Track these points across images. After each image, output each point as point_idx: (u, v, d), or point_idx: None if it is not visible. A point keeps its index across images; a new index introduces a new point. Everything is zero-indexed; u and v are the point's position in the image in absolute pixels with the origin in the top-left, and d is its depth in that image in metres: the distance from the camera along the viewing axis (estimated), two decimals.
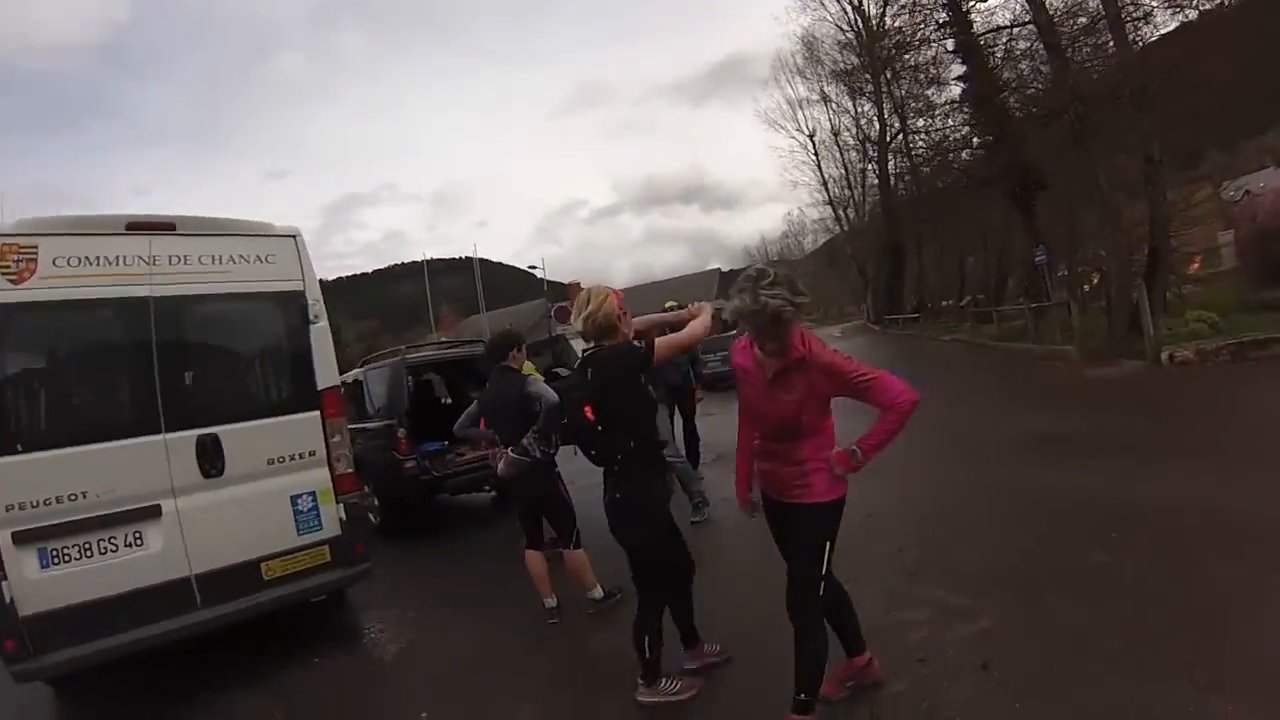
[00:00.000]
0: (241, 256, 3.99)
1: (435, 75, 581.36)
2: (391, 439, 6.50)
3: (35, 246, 3.47)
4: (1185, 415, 6.90)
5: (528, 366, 4.48)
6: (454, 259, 47.48)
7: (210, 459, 3.73)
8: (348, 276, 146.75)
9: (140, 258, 3.70)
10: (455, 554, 6.20)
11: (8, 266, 3.39)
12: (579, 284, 35.26)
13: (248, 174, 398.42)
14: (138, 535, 3.55)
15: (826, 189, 38.36)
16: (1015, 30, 13.67)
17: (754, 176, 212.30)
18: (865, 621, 2.70)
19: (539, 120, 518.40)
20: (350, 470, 4.20)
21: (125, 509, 3.52)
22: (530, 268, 36.69)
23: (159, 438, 3.62)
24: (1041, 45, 12.81)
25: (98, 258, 3.60)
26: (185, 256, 3.82)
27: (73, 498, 3.40)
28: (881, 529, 4.48)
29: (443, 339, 45.84)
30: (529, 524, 4.03)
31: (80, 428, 3.56)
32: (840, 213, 39.24)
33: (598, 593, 3.90)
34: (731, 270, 53.45)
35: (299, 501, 3.97)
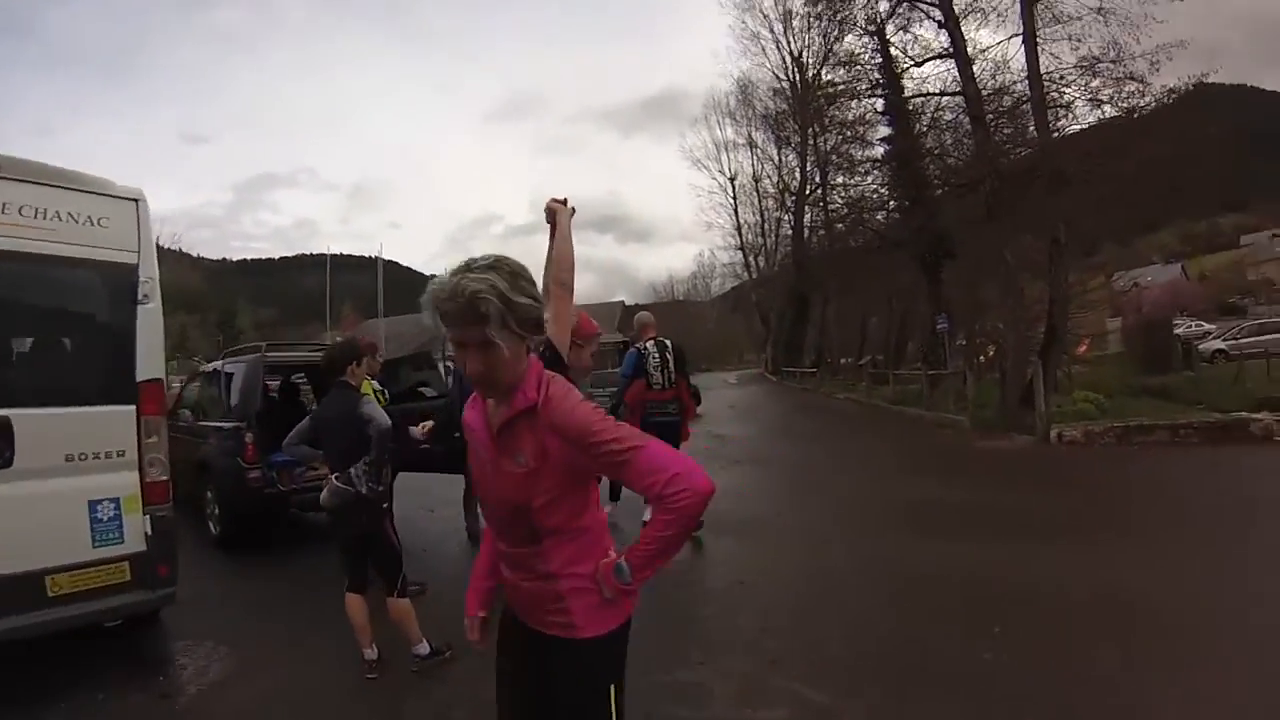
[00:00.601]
0: (70, 215, 3.45)
1: (373, 54, 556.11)
2: (239, 444, 5.86)
3: None
4: (1073, 494, 6.89)
5: (367, 385, 4.20)
6: (363, 257, 45.66)
7: None
8: (253, 260, 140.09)
9: None
10: (293, 579, 5.36)
11: None
12: None
13: (165, 132, 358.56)
14: None
15: (740, 234, 39.32)
16: (944, 99, 13.98)
17: (672, 213, 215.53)
18: (716, 716, 2.59)
19: (469, 121, 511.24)
20: (164, 478, 3.66)
21: None
22: (432, 276, 34.99)
23: None
24: (967, 118, 13.10)
25: None
26: (4, 205, 3.27)
27: None
28: (749, 600, 4.28)
29: (335, 338, 44.25)
30: (350, 562, 3.51)
31: None
32: (751, 259, 40.29)
33: (423, 648, 3.46)
34: (635, 305, 53.65)
35: (98, 508, 3.42)
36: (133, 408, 3.56)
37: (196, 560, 5.48)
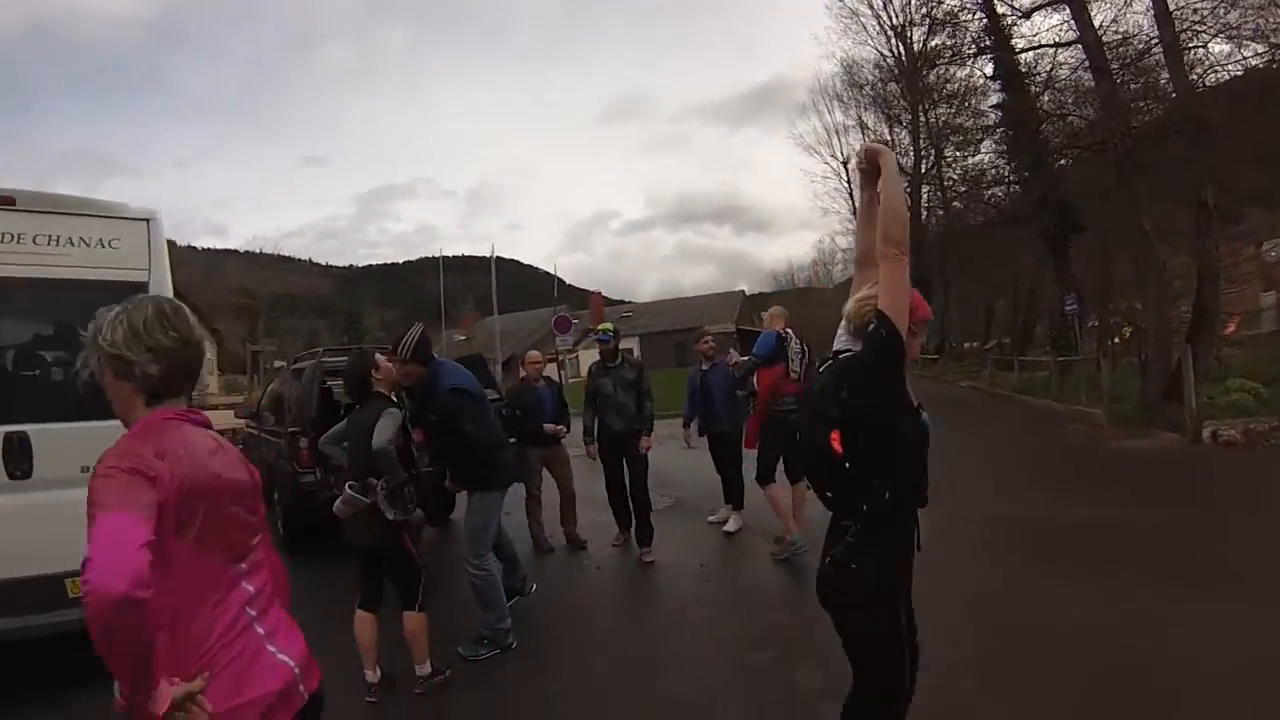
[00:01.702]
0: (82, 239, 3.64)
1: (476, 75, 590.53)
2: (294, 448, 5.93)
3: None
4: (1238, 518, 5.35)
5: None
6: (482, 257, 47.69)
7: (17, 459, 3.40)
8: (378, 265, 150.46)
9: None
10: (334, 587, 4.89)
11: None
12: (600, 293, 34.95)
13: (287, 157, 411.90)
14: None
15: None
16: (1060, 53, 12.44)
17: (787, 202, 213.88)
18: None
19: (575, 128, 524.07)
20: None
21: None
22: (549, 273, 36.01)
23: None
24: (1088, 72, 11.58)
25: None
26: (19, 235, 3.53)
27: None
28: (802, 652, 3.47)
29: (456, 338, 46.63)
30: (363, 578, 3.43)
31: None
32: None
33: (426, 668, 3.34)
34: (758, 293, 52.79)
35: None
36: None
37: None
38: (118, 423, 3.49)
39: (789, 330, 5.12)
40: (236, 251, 60.66)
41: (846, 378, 1.80)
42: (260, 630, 1.33)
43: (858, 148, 1.71)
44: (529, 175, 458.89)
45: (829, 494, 1.86)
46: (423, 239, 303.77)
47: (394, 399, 3.48)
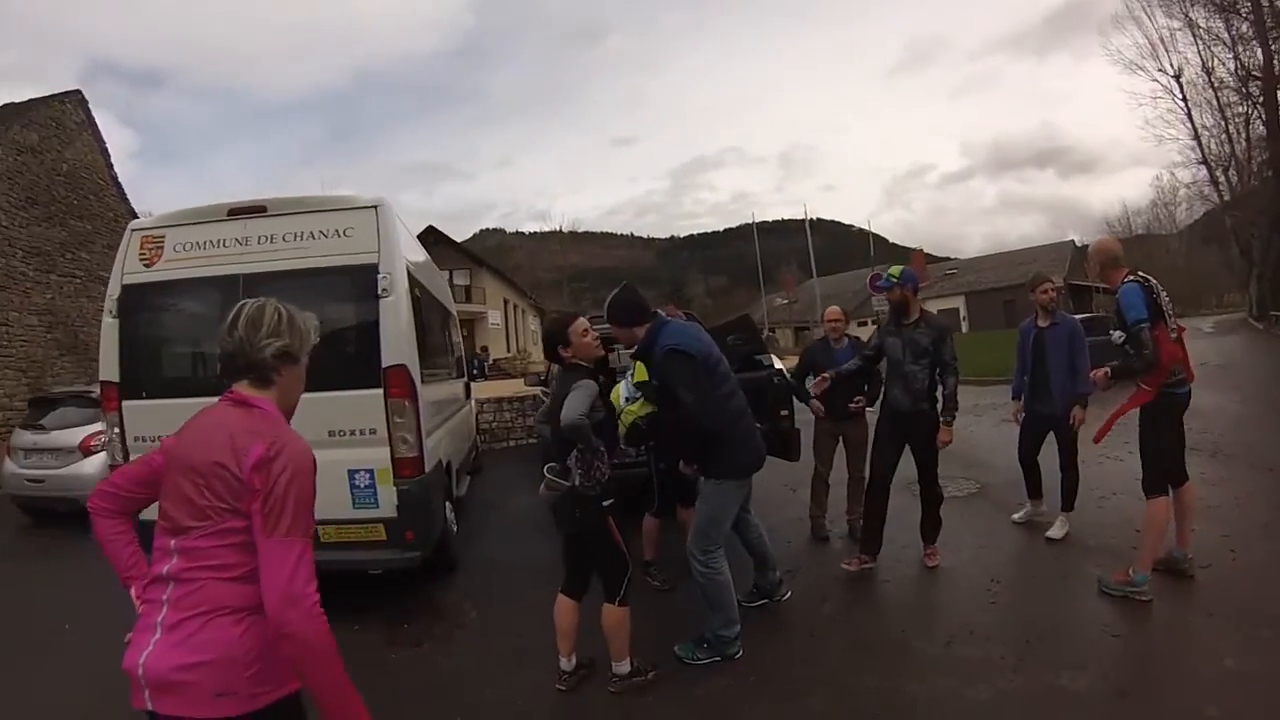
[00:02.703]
0: (321, 232, 4.09)
1: (768, 41, 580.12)
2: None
3: (163, 236, 4.21)
4: None
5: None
6: (800, 220, 48.20)
7: None
8: (698, 234, 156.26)
9: (236, 239, 4.11)
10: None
11: (143, 254, 4.19)
12: (922, 251, 33.29)
13: (598, 142, 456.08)
14: None
15: (1199, 144, 28.42)
16: None
17: (1113, 135, 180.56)
18: None
19: (876, 81, 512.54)
20: (413, 454, 4.01)
21: None
22: (863, 229, 34.97)
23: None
24: None
25: (204, 242, 4.16)
26: (272, 236, 4.10)
27: None
28: None
29: (779, 301, 46.04)
30: (566, 562, 3.26)
31: (184, 383, 4.21)
32: (1218, 174, 29.12)
33: (624, 667, 3.08)
34: (1087, 245, 46.88)
35: (355, 477, 3.95)
36: (380, 391, 3.93)
37: (507, 529, 5.95)
38: (357, 393, 4.04)
39: (1147, 276, 3.57)
40: (560, 232, 66.64)
41: None
42: (141, 611, 1.40)
43: None
44: (838, 134, 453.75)
45: None
46: (739, 206, 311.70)
47: (593, 370, 3.15)
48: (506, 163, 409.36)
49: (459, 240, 38.72)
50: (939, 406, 4.09)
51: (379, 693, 3.24)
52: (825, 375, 4.51)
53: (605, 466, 2.98)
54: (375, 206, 4.11)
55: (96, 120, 14.58)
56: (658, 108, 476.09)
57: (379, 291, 3.93)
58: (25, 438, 7.44)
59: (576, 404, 2.85)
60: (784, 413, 4.80)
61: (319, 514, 4.02)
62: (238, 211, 4.16)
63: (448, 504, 4.95)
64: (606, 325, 3.32)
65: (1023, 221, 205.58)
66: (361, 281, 3.98)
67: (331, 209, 4.12)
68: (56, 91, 13.92)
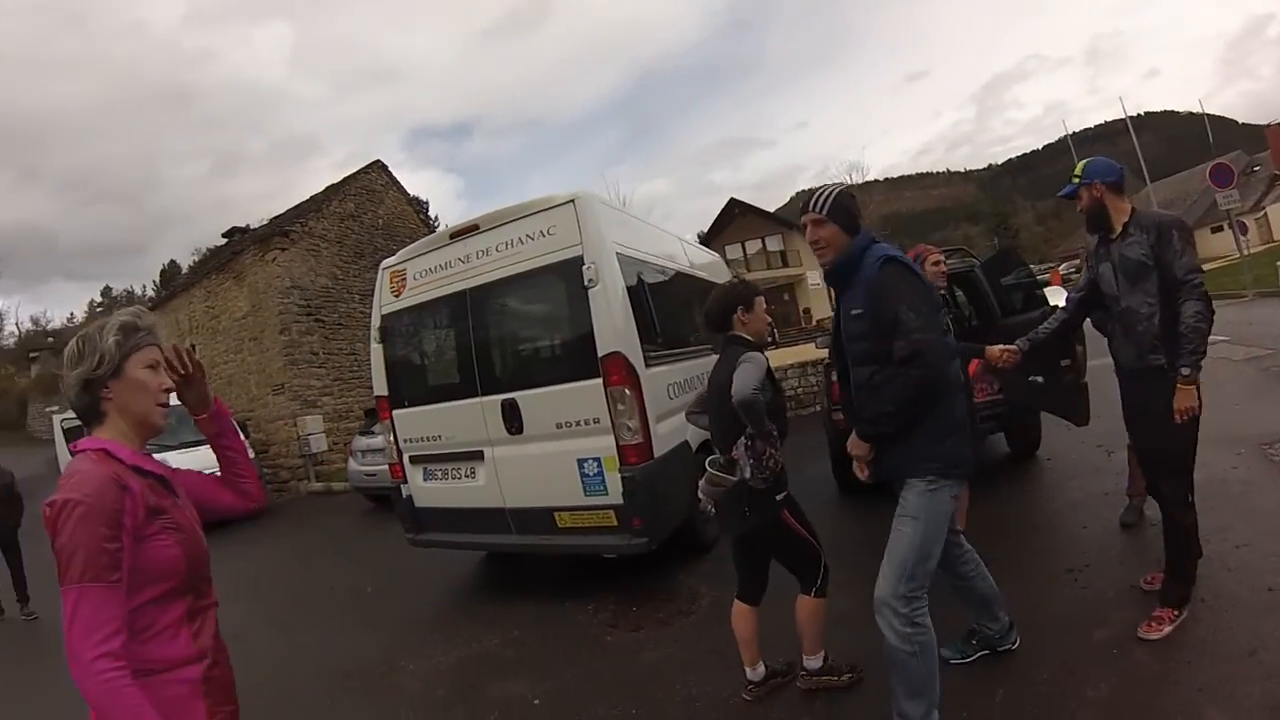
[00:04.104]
0: (528, 236, 4.26)
1: None
2: (827, 382, 5.36)
3: (405, 269, 4.84)
4: None
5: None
6: (1131, 118, 41.75)
7: (511, 419, 4.29)
8: (1018, 157, 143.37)
9: (459, 259, 4.54)
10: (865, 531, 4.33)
11: (393, 286, 4.89)
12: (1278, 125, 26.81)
13: (888, 83, 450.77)
14: (471, 470, 4.57)
15: None
16: None
17: None
18: None
19: None
20: (636, 441, 3.96)
21: (463, 450, 4.57)
22: (1193, 113, 28.84)
23: (477, 400, 4.45)
24: None
25: (435, 266, 4.67)
26: (487, 249, 4.41)
27: (436, 438, 4.72)
28: None
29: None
30: (740, 565, 2.89)
31: (435, 391, 4.81)
32: None
33: (817, 662, 2.81)
34: None
35: (585, 465, 4.10)
36: (599, 381, 3.95)
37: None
38: (579, 385, 4.13)
39: None
40: (878, 181, 66.30)
41: None
42: None
43: None
44: (1144, 7, 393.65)
45: None
46: (1053, 118, 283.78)
47: (758, 344, 2.77)
48: (803, 124, 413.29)
49: (774, 207, 38.45)
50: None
51: (580, 674, 3.40)
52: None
53: (778, 454, 2.60)
54: (572, 201, 4.15)
55: (415, 177, 18.19)
56: (941, 32, 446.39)
57: (585, 282, 3.98)
58: (361, 441, 9.30)
59: (749, 378, 2.48)
60: (1065, 362, 4.10)
61: (556, 500, 3.98)
62: (457, 234, 4.56)
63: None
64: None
65: None
66: (569, 275, 4.07)
67: (533, 212, 4.25)
68: (364, 164, 16.93)
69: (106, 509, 1.25)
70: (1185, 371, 2.55)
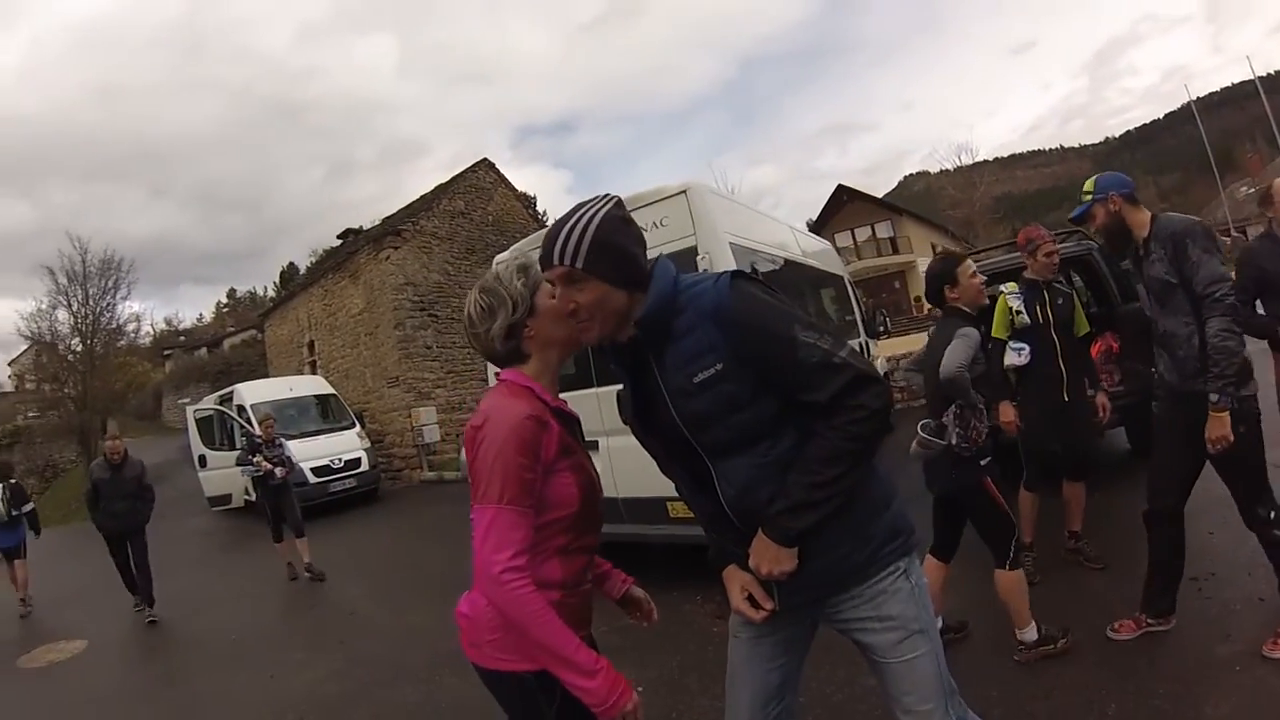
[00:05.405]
0: (642, 229, 4.38)
1: None
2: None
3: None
4: None
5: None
6: (1260, 78, 36.72)
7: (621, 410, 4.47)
8: (1136, 129, 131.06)
9: None
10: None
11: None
12: None
13: (993, 57, 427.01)
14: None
15: None
16: None
17: None
18: None
19: None
20: None
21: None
22: None
23: (593, 391, 4.43)
24: None
25: None
26: None
27: None
28: None
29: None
30: (938, 523, 3.09)
31: (566, 380, 4.95)
32: None
33: (1030, 634, 2.83)
34: None
35: None
36: None
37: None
38: None
39: None
40: (988, 161, 60.84)
41: None
42: None
43: None
44: None
45: None
46: (1173, 84, 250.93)
47: (975, 318, 2.92)
48: (908, 106, 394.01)
49: (883, 193, 36.85)
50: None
51: (685, 663, 3.43)
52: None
53: (984, 425, 2.75)
54: (684, 191, 4.12)
55: (522, 173, 18.60)
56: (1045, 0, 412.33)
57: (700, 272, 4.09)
58: None
59: (958, 354, 2.66)
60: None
61: (669, 490, 4.21)
62: None
63: None
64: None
65: None
66: (683, 266, 4.18)
67: (645, 204, 4.20)
68: (471, 163, 17.55)
69: (529, 441, 1.37)
70: (1214, 399, 2.39)
